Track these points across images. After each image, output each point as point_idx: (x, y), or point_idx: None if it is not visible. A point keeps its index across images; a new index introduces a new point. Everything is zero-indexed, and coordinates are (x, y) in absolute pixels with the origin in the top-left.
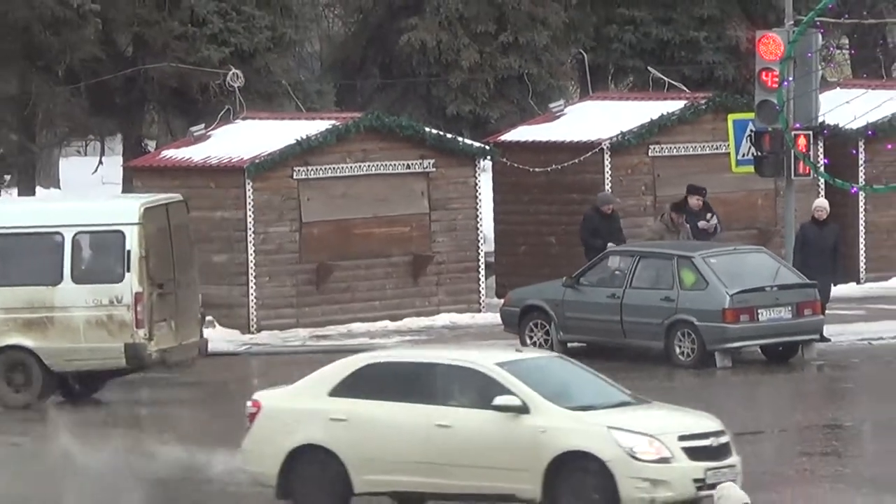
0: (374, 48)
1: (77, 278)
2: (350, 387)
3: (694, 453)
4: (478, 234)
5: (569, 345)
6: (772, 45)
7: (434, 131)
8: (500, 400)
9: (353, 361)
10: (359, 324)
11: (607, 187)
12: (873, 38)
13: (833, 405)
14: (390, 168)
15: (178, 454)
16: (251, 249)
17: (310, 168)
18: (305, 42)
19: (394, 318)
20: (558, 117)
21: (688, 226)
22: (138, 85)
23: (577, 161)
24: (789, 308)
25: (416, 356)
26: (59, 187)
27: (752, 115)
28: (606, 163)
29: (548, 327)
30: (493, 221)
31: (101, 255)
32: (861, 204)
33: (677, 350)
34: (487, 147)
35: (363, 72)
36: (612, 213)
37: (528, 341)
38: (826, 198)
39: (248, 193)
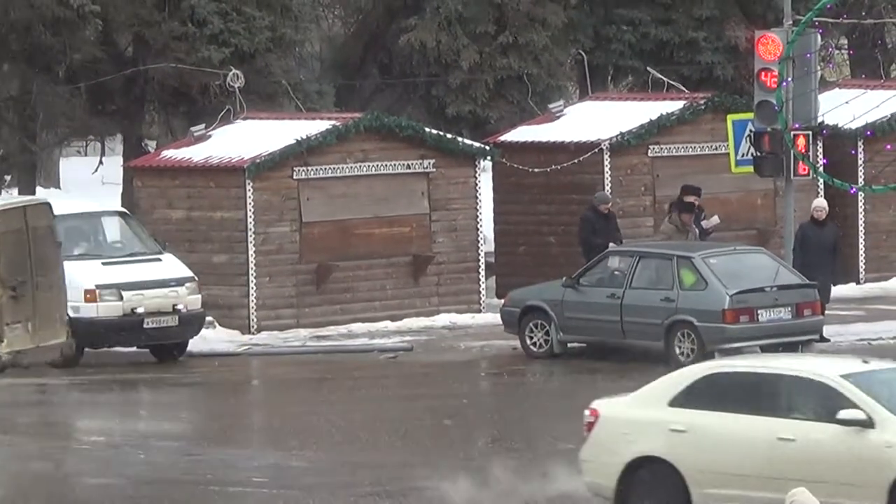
0: (373, 48)
1: None
2: (690, 397)
3: None
4: (478, 235)
5: (569, 345)
6: (771, 45)
7: (434, 131)
8: (844, 413)
9: (693, 371)
10: (359, 324)
11: (607, 187)
12: (872, 39)
13: None
14: (390, 168)
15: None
16: (251, 250)
17: (310, 168)
18: (305, 42)
19: (394, 319)
20: (558, 117)
21: (695, 227)
22: (138, 85)
23: (576, 161)
24: (789, 308)
25: (758, 366)
26: (60, 187)
27: (751, 116)
28: (606, 163)
29: (548, 328)
30: (493, 221)
31: None
32: (860, 204)
33: (677, 350)
34: (487, 147)
35: (363, 72)
36: (610, 212)
37: (528, 342)
38: (825, 198)
39: (248, 193)
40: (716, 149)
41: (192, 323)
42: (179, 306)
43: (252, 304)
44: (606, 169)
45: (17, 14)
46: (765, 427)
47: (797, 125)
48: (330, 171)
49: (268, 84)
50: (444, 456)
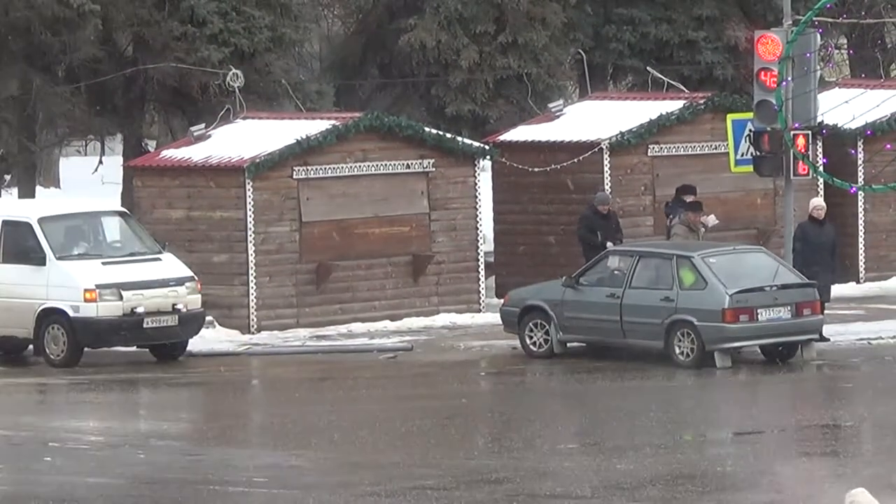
0: (373, 48)
1: None
2: None
3: None
4: (477, 234)
5: (568, 345)
6: (770, 44)
7: (434, 131)
8: None
9: None
10: (359, 324)
11: (606, 187)
12: (871, 38)
13: (832, 405)
14: (390, 168)
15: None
16: (251, 249)
17: (310, 168)
18: (305, 42)
19: (394, 318)
20: (557, 117)
21: (701, 227)
22: (138, 85)
23: (576, 161)
24: (789, 308)
25: None
26: (60, 187)
27: (750, 115)
28: (606, 163)
29: (547, 327)
30: (492, 221)
31: None
32: (860, 204)
33: (677, 350)
34: (487, 147)
35: (363, 72)
36: (610, 212)
37: (528, 341)
38: (825, 198)
39: (248, 193)
40: (715, 148)
41: (191, 323)
42: (179, 306)
43: (252, 304)
44: (606, 168)
45: (17, 14)
46: None
47: (797, 125)
48: (330, 170)
49: (268, 84)
50: (445, 456)
